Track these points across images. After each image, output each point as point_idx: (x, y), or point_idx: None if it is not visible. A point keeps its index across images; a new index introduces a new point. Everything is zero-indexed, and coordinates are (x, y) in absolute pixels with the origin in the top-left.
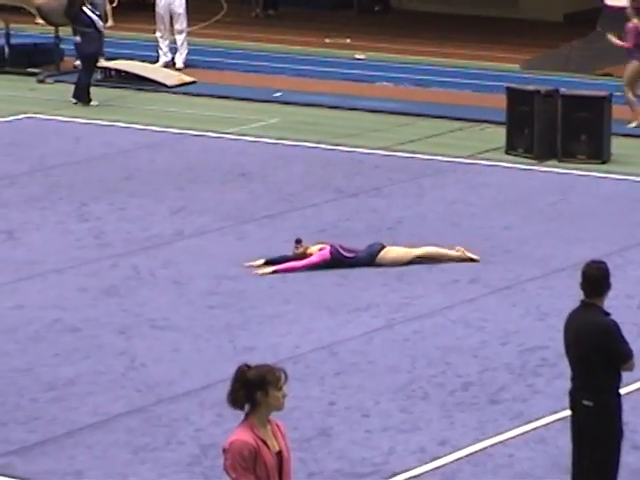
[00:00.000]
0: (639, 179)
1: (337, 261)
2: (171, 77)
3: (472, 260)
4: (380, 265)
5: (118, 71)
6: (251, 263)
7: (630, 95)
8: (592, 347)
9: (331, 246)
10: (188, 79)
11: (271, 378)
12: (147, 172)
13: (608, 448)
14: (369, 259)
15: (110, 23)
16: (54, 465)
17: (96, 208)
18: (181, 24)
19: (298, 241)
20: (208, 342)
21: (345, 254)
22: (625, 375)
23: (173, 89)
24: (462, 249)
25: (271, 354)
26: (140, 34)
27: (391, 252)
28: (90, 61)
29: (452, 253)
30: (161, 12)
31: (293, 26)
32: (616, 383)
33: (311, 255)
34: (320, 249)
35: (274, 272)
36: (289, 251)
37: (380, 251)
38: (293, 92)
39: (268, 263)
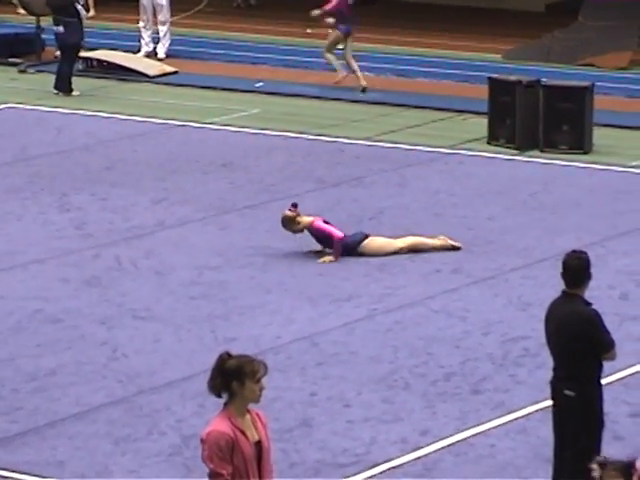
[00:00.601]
0: (621, 169)
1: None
2: (152, 67)
3: (454, 248)
4: (362, 254)
5: (100, 61)
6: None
7: (330, 56)
8: (574, 337)
9: (323, 219)
10: (170, 69)
11: (248, 369)
12: (129, 162)
13: (589, 438)
14: (352, 245)
15: (92, 13)
16: (35, 456)
17: (77, 198)
18: (164, 15)
19: (295, 205)
20: (190, 333)
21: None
22: (606, 365)
23: (155, 79)
24: (444, 237)
25: (252, 344)
26: (122, 24)
27: (374, 242)
28: (72, 51)
29: (434, 242)
30: (144, 3)
31: (275, 16)
32: (598, 373)
33: (300, 223)
34: (312, 221)
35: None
36: (271, 241)
37: (363, 240)
38: (275, 82)
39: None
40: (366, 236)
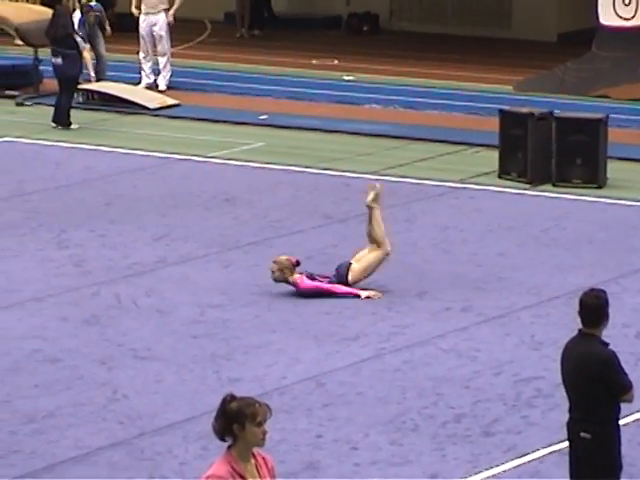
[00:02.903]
0: (635, 204)
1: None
2: (153, 99)
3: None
4: (357, 282)
5: (100, 93)
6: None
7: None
8: (591, 378)
9: (307, 275)
10: (171, 101)
11: (249, 412)
12: (129, 198)
13: None
14: (342, 280)
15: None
16: None
17: (76, 235)
18: (163, 46)
19: (298, 263)
20: (192, 373)
21: (320, 279)
22: (622, 407)
23: (156, 112)
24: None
25: (257, 385)
26: (123, 55)
27: (358, 264)
28: (71, 83)
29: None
30: (144, 34)
31: (279, 47)
32: (615, 415)
33: (289, 276)
34: (298, 279)
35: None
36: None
37: (349, 270)
38: (279, 115)
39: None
40: (350, 264)
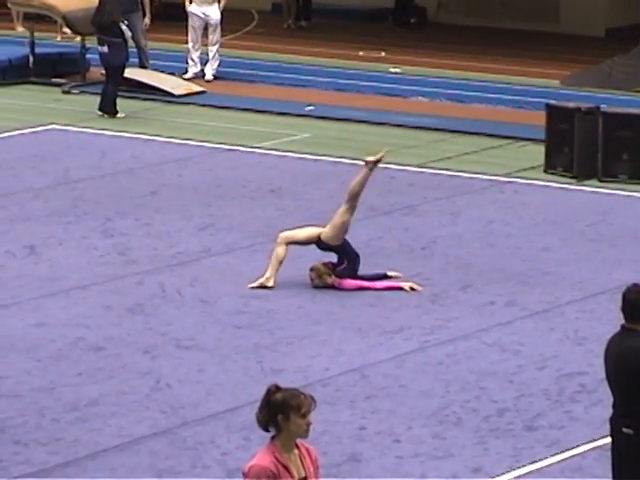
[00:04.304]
0: None
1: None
2: (179, 86)
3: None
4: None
5: (125, 79)
6: None
7: None
8: (632, 373)
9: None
10: (197, 89)
11: (294, 403)
12: (174, 187)
13: None
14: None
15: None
16: None
17: (121, 223)
18: (216, 36)
19: (334, 265)
20: (235, 363)
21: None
22: None
23: (200, 101)
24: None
25: (300, 376)
26: (168, 45)
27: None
28: (118, 72)
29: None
30: (196, 23)
31: (326, 38)
32: None
33: (326, 281)
34: (335, 281)
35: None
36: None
37: (324, 242)
38: (325, 106)
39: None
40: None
